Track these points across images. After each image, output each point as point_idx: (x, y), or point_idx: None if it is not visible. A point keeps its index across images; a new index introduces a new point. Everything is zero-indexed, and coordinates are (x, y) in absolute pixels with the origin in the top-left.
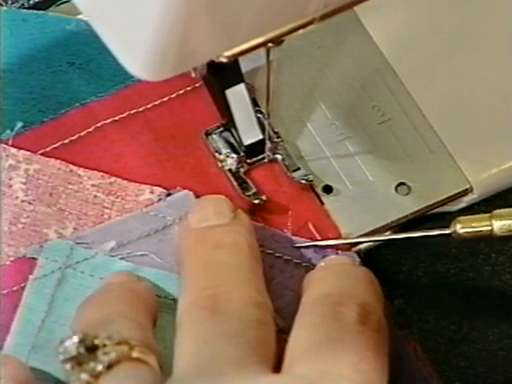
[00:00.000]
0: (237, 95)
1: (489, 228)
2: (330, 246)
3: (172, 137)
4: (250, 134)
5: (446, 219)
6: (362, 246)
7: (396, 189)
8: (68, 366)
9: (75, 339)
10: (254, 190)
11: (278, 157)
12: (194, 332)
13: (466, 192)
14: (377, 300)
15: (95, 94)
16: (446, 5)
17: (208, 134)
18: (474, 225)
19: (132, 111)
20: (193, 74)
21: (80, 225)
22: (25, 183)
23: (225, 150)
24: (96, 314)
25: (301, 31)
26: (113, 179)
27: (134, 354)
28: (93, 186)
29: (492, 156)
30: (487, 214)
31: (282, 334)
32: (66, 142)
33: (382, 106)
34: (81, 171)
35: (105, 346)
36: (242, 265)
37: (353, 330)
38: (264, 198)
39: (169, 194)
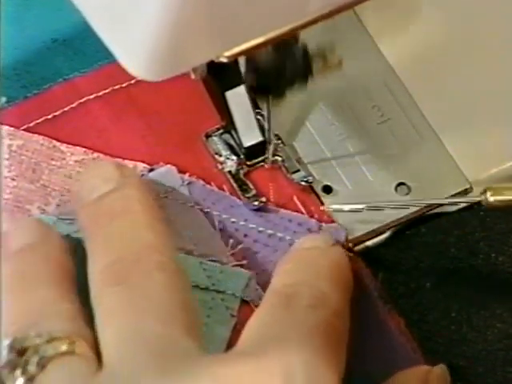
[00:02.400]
0: (237, 97)
1: None
2: None
3: (155, 112)
4: (250, 136)
5: (446, 219)
6: (361, 245)
7: (396, 189)
8: (4, 373)
9: (4, 345)
10: (253, 192)
11: (278, 158)
12: (111, 313)
13: (465, 192)
14: (337, 290)
15: (78, 70)
16: (446, 5)
17: (208, 135)
18: (505, 193)
19: (116, 87)
20: (193, 76)
21: (63, 201)
22: (8, 159)
23: (225, 151)
24: (22, 305)
25: (301, 31)
26: (96, 155)
27: (66, 348)
28: (76, 161)
29: (492, 156)
30: None
31: None
32: (49, 117)
33: (381, 106)
34: (64, 147)
35: (36, 345)
36: (136, 229)
37: (301, 314)
38: (264, 199)
39: (151, 170)
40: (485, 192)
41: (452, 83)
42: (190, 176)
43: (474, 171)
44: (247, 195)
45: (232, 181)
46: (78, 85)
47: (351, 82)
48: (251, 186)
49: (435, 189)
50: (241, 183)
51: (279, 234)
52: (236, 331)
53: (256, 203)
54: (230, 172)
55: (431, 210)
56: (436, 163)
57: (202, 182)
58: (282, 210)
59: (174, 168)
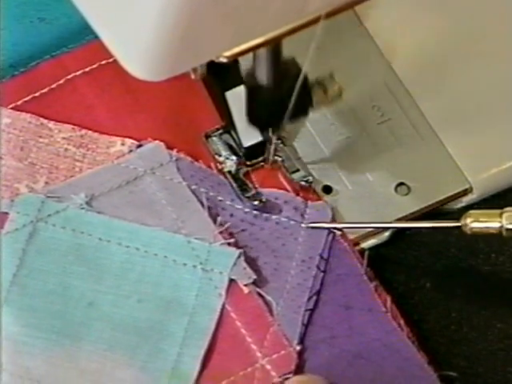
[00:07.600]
0: (237, 97)
1: (498, 225)
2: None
3: (143, 88)
4: (249, 136)
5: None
6: (362, 246)
7: (396, 189)
8: None
9: None
10: (253, 192)
11: (278, 158)
12: None
13: (465, 192)
14: None
15: (66, 47)
16: (446, 5)
17: (208, 136)
18: (483, 219)
19: (103, 62)
20: (192, 76)
21: (51, 179)
22: None
23: (224, 152)
24: None
25: (301, 31)
26: (83, 132)
27: None
28: (63, 138)
29: (492, 156)
30: (498, 210)
31: (255, 286)
32: (36, 95)
33: (381, 106)
34: (51, 124)
35: None
36: None
37: None
38: (264, 199)
39: (139, 146)
40: (465, 218)
41: (452, 83)
42: (177, 152)
43: (474, 171)
44: (247, 195)
45: (232, 181)
46: (64, 62)
47: (351, 82)
48: (251, 186)
49: (435, 189)
50: (240, 183)
51: (265, 214)
52: (224, 310)
53: (256, 203)
54: (229, 172)
55: (431, 210)
56: (436, 163)
57: (189, 158)
58: (269, 189)
59: (162, 144)
